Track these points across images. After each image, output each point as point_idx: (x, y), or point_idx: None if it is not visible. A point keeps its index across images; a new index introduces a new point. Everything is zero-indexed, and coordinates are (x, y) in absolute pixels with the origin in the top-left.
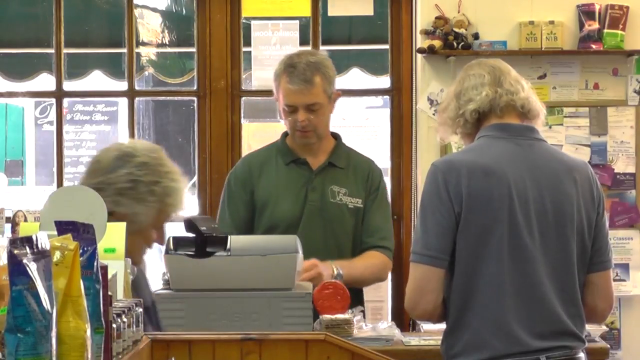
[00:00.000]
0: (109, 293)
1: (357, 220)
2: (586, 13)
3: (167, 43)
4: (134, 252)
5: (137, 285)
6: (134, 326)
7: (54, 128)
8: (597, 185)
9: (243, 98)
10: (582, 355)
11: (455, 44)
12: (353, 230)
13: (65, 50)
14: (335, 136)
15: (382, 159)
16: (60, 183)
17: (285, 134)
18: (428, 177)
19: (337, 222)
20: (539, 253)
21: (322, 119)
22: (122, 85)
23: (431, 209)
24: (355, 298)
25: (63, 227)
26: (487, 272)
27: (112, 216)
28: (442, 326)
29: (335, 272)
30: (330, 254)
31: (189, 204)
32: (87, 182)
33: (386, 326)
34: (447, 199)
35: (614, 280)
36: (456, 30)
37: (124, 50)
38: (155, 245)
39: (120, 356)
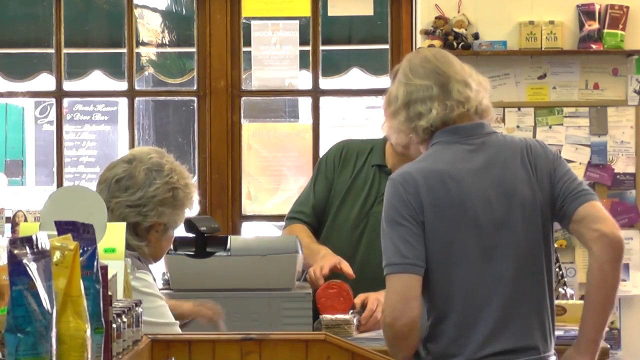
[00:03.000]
0: (109, 293)
1: None
2: (586, 13)
3: (167, 43)
4: (162, 254)
5: None
6: (134, 326)
7: (54, 128)
8: (550, 152)
9: (243, 98)
10: (553, 358)
11: (455, 44)
12: None
13: (65, 50)
14: None
15: None
16: (60, 183)
17: None
18: (388, 191)
19: None
20: (509, 249)
21: None
22: (122, 85)
23: (398, 220)
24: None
25: (63, 227)
26: (458, 278)
27: (153, 228)
28: None
29: None
30: None
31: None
32: (126, 200)
33: None
34: (411, 208)
35: None
36: (456, 30)
37: (124, 50)
38: None
39: (120, 356)
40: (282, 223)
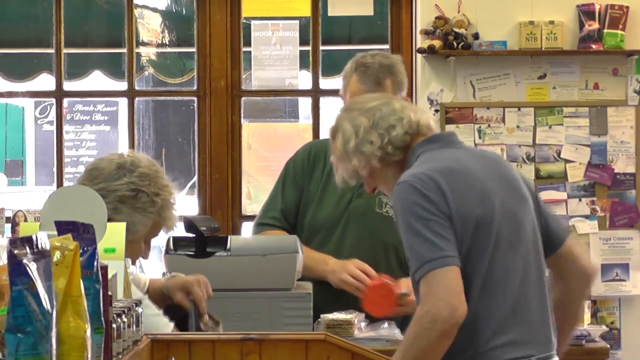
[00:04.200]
0: (109, 293)
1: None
2: (586, 13)
3: (167, 43)
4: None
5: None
6: (134, 326)
7: (54, 128)
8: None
9: (243, 98)
10: (555, 358)
11: (455, 44)
12: (398, 245)
13: (65, 50)
14: None
15: None
16: (60, 183)
17: None
18: (402, 193)
19: (380, 234)
20: (521, 241)
21: None
22: (122, 85)
23: (425, 216)
24: None
25: (63, 227)
26: (477, 270)
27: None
28: None
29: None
30: (377, 265)
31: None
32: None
33: (386, 326)
34: (438, 203)
35: (614, 280)
36: (456, 30)
37: (124, 50)
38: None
39: (120, 356)
40: None
